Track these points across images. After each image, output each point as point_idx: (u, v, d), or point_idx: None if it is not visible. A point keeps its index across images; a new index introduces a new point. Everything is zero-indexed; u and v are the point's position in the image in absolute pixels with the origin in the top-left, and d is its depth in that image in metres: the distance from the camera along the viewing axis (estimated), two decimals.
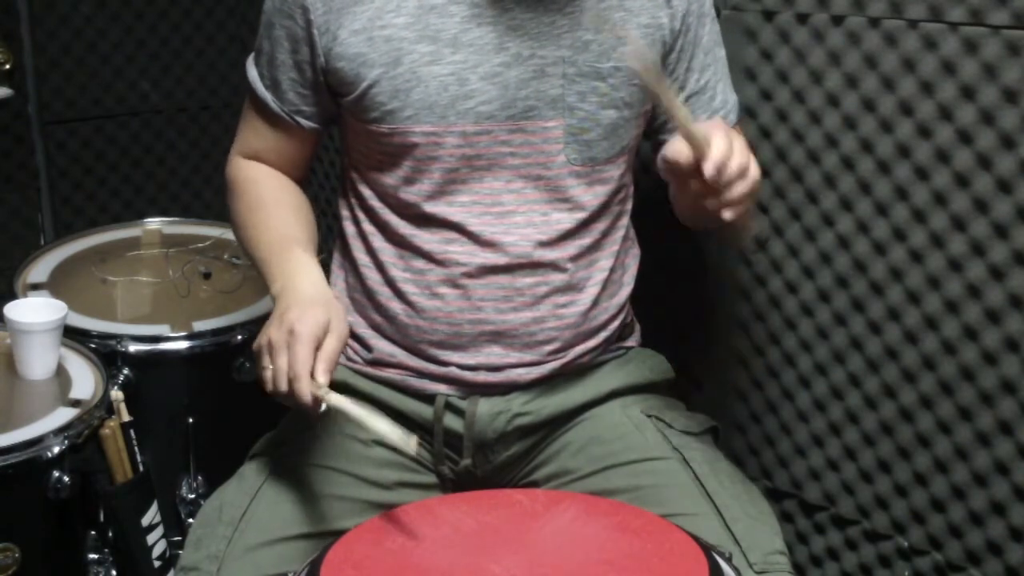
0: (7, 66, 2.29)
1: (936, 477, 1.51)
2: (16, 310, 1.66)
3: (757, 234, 1.32)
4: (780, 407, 1.67)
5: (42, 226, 2.52)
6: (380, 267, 1.39)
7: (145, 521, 1.63)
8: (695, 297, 1.73)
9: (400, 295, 1.37)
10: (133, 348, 1.76)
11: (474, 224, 1.33)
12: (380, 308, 1.39)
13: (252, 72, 1.42)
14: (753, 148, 1.53)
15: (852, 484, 1.61)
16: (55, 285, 1.95)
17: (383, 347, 1.40)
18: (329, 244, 1.53)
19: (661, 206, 1.44)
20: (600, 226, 1.39)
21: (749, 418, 1.72)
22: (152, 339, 1.78)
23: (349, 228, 1.43)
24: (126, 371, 1.75)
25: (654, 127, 1.45)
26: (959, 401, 1.46)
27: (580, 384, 1.42)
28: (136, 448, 1.62)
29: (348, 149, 1.43)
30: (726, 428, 1.71)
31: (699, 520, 1.25)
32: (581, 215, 1.36)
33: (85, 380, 1.67)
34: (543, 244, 1.34)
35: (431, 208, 1.34)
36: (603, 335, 1.43)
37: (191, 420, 1.80)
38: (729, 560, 1.12)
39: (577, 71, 1.31)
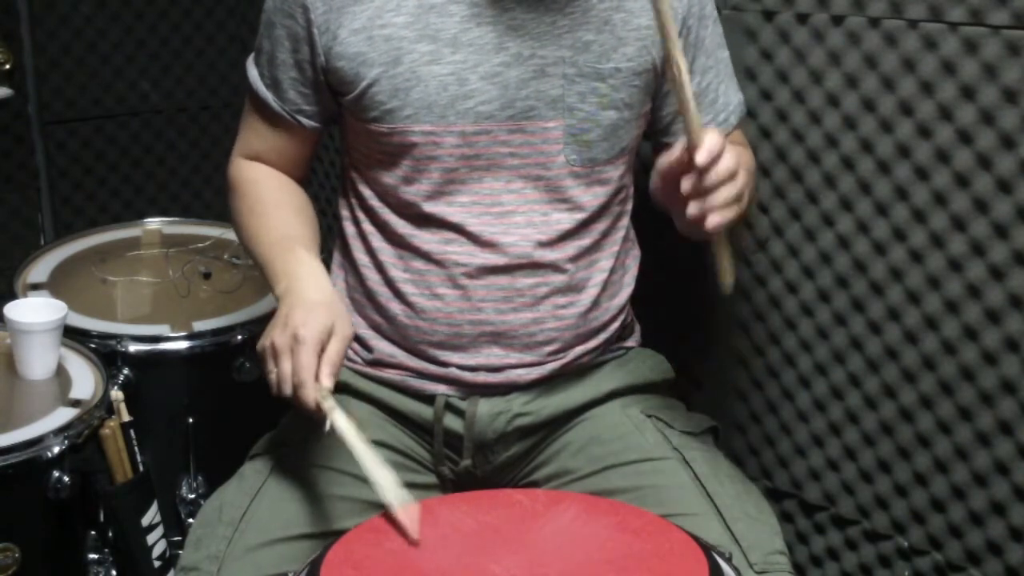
0: (7, 66, 2.29)
1: (936, 477, 1.51)
2: (16, 310, 1.66)
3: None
4: (780, 407, 1.67)
5: (42, 226, 2.52)
6: (380, 267, 1.39)
7: (145, 521, 1.63)
8: (695, 297, 1.73)
9: (400, 295, 1.37)
10: (133, 348, 1.76)
11: (473, 224, 1.33)
12: (380, 308, 1.39)
13: (252, 72, 1.42)
14: (753, 148, 1.55)
15: (852, 484, 1.61)
16: (55, 285, 1.95)
17: (383, 347, 1.40)
18: (329, 244, 1.53)
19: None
20: (600, 227, 1.39)
21: (749, 418, 1.72)
22: (152, 339, 1.78)
23: (349, 228, 1.43)
24: (126, 371, 1.75)
25: (656, 129, 1.45)
26: (959, 401, 1.46)
27: (580, 384, 1.42)
28: (136, 448, 1.62)
29: (348, 149, 1.43)
30: (726, 428, 1.71)
31: (699, 520, 1.25)
32: (581, 216, 1.36)
33: (85, 380, 1.67)
34: (543, 245, 1.34)
35: (430, 208, 1.34)
36: (603, 336, 1.43)
37: (191, 420, 1.79)
38: (729, 560, 1.12)
39: (577, 71, 1.31)
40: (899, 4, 1.41)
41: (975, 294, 1.42)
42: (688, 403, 1.49)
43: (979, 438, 1.45)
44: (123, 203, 2.62)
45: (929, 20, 1.38)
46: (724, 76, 1.43)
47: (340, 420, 1.17)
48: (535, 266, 1.34)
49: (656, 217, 1.49)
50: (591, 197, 1.36)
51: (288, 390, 1.18)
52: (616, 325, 1.45)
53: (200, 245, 2.13)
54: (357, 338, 1.42)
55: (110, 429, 1.59)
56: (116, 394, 1.63)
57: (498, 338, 1.35)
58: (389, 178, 1.35)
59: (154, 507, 1.65)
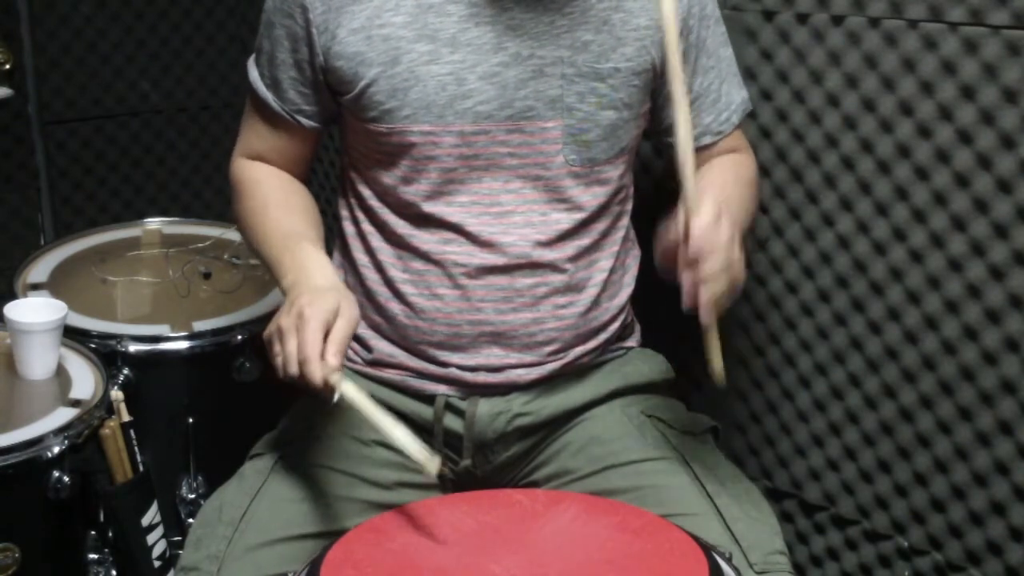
0: (7, 66, 2.29)
1: (936, 477, 1.51)
2: (16, 310, 1.66)
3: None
4: (780, 407, 1.67)
5: (42, 226, 2.52)
6: (379, 267, 1.39)
7: (145, 521, 1.63)
8: None
9: (399, 296, 1.37)
10: (133, 348, 1.76)
11: (472, 224, 1.33)
12: (380, 309, 1.39)
13: (253, 72, 1.42)
14: (753, 148, 1.55)
15: (852, 484, 1.61)
16: (55, 285, 1.95)
17: (383, 347, 1.40)
18: (329, 244, 1.53)
19: (661, 206, 1.44)
20: (599, 226, 1.39)
21: (749, 418, 1.72)
22: (152, 339, 1.78)
23: (348, 228, 1.43)
24: (126, 371, 1.75)
25: (658, 129, 1.45)
26: (959, 401, 1.46)
27: (580, 384, 1.42)
28: (136, 448, 1.62)
29: (347, 149, 1.43)
30: (726, 428, 1.71)
31: (699, 520, 1.25)
32: (580, 215, 1.36)
33: (85, 380, 1.67)
34: (542, 244, 1.34)
35: (430, 208, 1.34)
36: (603, 336, 1.43)
37: (191, 420, 1.79)
38: (729, 560, 1.12)
39: (576, 71, 1.31)
40: (899, 4, 1.41)
41: (975, 294, 1.42)
42: (688, 403, 1.49)
43: (979, 438, 1.45)
44: (123, 203, 2.62)
45: (929, 20, 1.38)
46: (727, 75, 1.43)
47: (349, 388, 1.15)
48: (534, 266, 1.34)
49: (656, 217, 1.49)
50: (590, 197, 1.36)
51: (294, 369, 1.15)
52: (616, 325, 1.45)
53: (200, 245, 2.13)
54: (357, 338, 1.42)
55: (110, 429, 1.59)
56: (116, 394, 1.62)
57: (498, 338, 1.35)
58: (388, 178, 1.35)
59: (154, 507, 1.65)
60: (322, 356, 1.14)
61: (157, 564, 1.64)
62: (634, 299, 1.48)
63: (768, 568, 1.23)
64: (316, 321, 1.15)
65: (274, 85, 1.39)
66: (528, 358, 1.37)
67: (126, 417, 1.62)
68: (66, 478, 1.52)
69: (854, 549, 1.64)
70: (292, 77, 1.36)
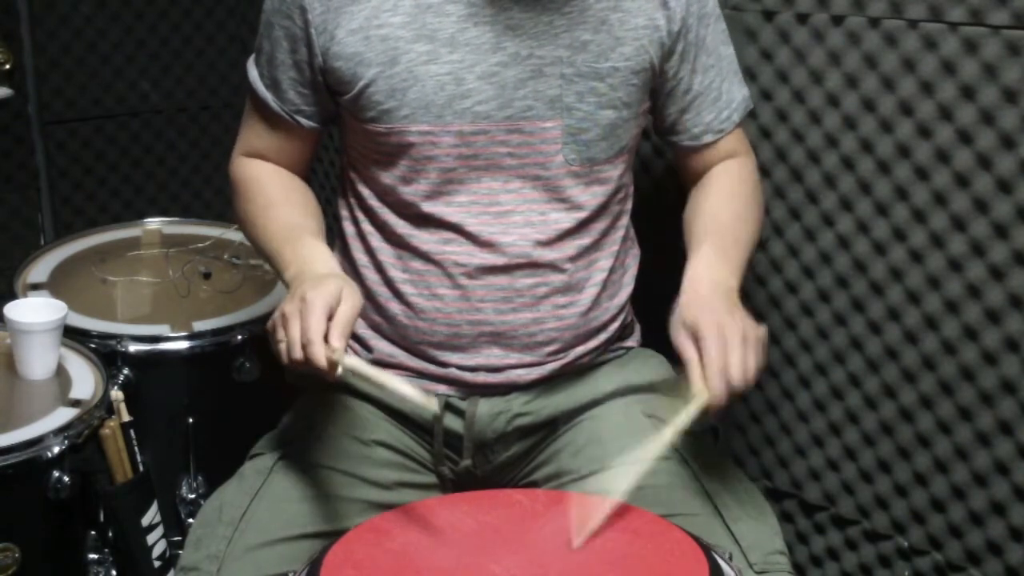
0: (7, 66, 2.29)
1: (936, 477, 1.51)
2: (16, 310, 1.66)
3: None
4: (780, 407, 1.67)
5: (42, 226, 2.52)
6: (379, 267, 1.39)
7: (145, 521, 1.63)
8: None
9: (399, 296, 1.37)
10: (133, 348, 1.76)
11: (472, 224, 1.33)
12: (380, 309, 1.39)
13: (253, 72, 1.42)
14: (753, 148, 1.55)
15: (852, 484, 1.61)
16: (55, 285, 1.95)
17: (383, 347, 1.40)
18: (329, 244, 1.53)
19: (661, 206, 1.44)
20: (599, 226, 1.39)
21: (749, 418, 1.72)
22: (152, 339, 1.78)
23: (348, 228, 1.43)
24: (126, 371, 1.75)
25: (659, 129, 1.45)
26: (959, 401, 1.46)
27: (580, 384, 1.42)
28: (136, 448, 1.62)
29: (347, 149, 1.43)
30: (726, 428, 1.71)
31: (699, 520, 1.25)
32: (580, 215, 1.36)
33: (85, 380, 1.67)
34: (542, 244, 1.34)
35: (429, 208, 1.34)
36: (603, 336, 1.43)
37: (191, 420, 1.79)
38: (729, 560, 1.12)
39: (575, 71, 1.31)
40: (899, 4, 1.41)
41: (975, 294, 1.42)
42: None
43: (979, 438, 1.45)
44: (123, 203, 2.62)
45: (929, 20, 1.38)
46: (727, 73, 1.43)
47: (352, 359, 1.15)
48: (534, 266, 1.34)
49: (656, 217, 1.49)
50: (590, 196, 1.36)
51: (298, 353, 1.14)
52: (616, 325, 1.45)
53: (200, 245, 2.13)
54: (357, 338, 1.42)
55: (110, 429, 1.59)
56: (116, 394, 1.63)
57: (498, 338, 1.35)
58: (387, 178, 1.35)
59: (154, 507, 1.65)
60: (326, 339, 1.14)
61: (157, 564, 1.64)
62: (634, 299, 1.48)
63: (768, 568, 1.23)
64: (319, 305, 1.15)
65: (273, 85, 1.39)
66: (528, 358, 1.37)
67: (126, 417, 1.62)
68: (66, 478, 1.52)
69: (854, 549, 1.64)
70: (291, 77, 1.36)
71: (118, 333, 1.78)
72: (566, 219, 1.35)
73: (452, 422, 1.38)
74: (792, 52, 1.53)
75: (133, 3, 2.52)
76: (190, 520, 1.77)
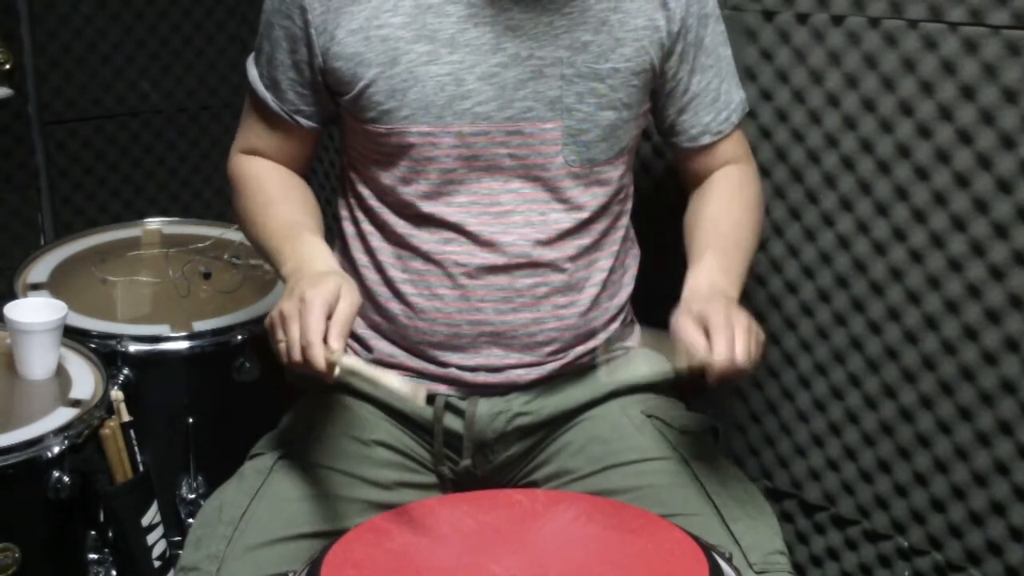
0: (7, 66, 2.29)
1: (936, 477, 1.51)
2: (16, 310, 1.66)
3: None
4: (780, 407, 1.67)
5: (42, 226, 2.52)
6: (379, 267, 1.39)
7: (145, 521, 1.63)
8: None
9: (399, 296, 1.37)
10: (133, 348, 1.76)
11: (472, 224, 1.33)
12: (379, 309, 1.39)
13: (252, 72, 1.42)
14: (753, 148, 1.55)
15: (852, 484, 1.61)
16: (55, 285, 1.95)
17: (383, 347, 1.40)
18: (329, 244, 1.53)
19: (661, 206, 1.44)
20: (599, 226, 1.39)
21: (749, 418, 1.72)
22: (152, 339, 1.78)
23: (348, 228, 1.43)
24: (126, 371, 1.75)
25: (660, 129, 1.45)
26: (959, 401, 1.46)
27: (580, 384, 1.42)
28: (136, 448, 1.62)
29: (347, 149, 1.43)
30: (726, 428, 1.71)
31: (699, 520, 1.25)
32: (580, 215, 1.36)
33: (85, 380, 1.67)
34: (541, 244, 1.34)
35: (429, 208, 1.34)
36: (603, 336, 1.43)
37: (191, 420, 1.79)
38: (729, 560, 1.12)
39: (575, 72, 1.31)
40: (899, 4, 1.41)
41: (975, 294, 1.42)
42: (688, 403, 1.49)
43: (979, 438, 1.45)
44: (123, 203, 2.62)
45: (929, 20, 1.38)
46: (726, 74, 1.43)
47: (350, 359, 1.15)
48: (534, 265, 1.34)
49: (656, 217, 1.49)
50: (590, 197, 1.36)
51: (297, 355, 1.15)
52: (616, 325, 1.45)
53: (200, 245, 2.13)
54: (357, 338, 1.42)
55: (110, 429, 1.59)
56: (116, 394, 1.63)
57: (498, 338, 1.35)
58: (387, 178, 1.35)
59: (154, 507, 1.65)
60: (325, 340, 1.14)
61: (157, 564, 1.64)
62: (634, 299, 1.48)
63: (768, 568, 1.23)
64: (318, 305, 1.15)
65: (273, 85, 1.39)
66: (528, 358, 1.37)
67: (126, 417, 1.62)
68: (66, 478, 1.52)
69: (854, 549, 1.64)
70: (291, 78, 1.36)
71: (118, 333, 1.78)
72: (566, 219, 1.35)
73: (452, 422, 1.38)
74: (792, 52, 1.53)
75: (133, 3, 2.52)
76: (190, 520, 1.77)
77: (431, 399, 1.38)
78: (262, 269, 2.02)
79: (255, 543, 1.25)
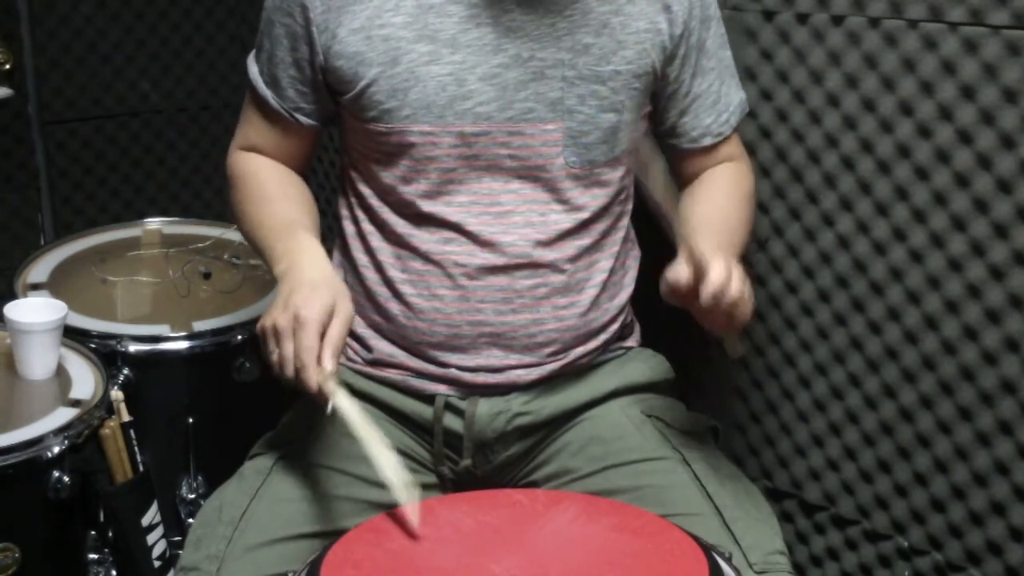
0: (7, 66, 2.29)
1: (936, 477, 1.51)
2: (16, 310, 1.66)
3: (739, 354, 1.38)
4: (780, 407, 1.67)
5: (42, 226, 2.52)
6: (379, 267, 1.39)
7: (145, 521, 1.63)
8: None
9: (398, 296, 1.37)
10: (133, 348, 1.76)
11: (472, 224, 1.33)
12: (379, 308, 1.39)
13: (253, 69, 1.42)
14: (753, 148, 1.55)
15: (852, 484, 1.61)
16: (55, 285, 1.95)
17: (383, 347, 1.40)
18: (329, 244, 1.53)
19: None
20: (599, 227, 1.39)
21: (749, 418, 1.72)
22: (152, 339, 1.78)
23: (348, 227, 1.43)
24: (126, 371, 1.75)
25: (660, 131, 1.45)
26: (959, 401, 1.46)
27: (580, 384, 1.42)
28: (136, 448, 1.62)
29: (347, 148, 1.43)
30: (726, 428, 1.71)
31: (699, 520, 1.25)
32: (580, 216, 1.36)
33: (85, 380, 1.67)
34: (542, 244, 1.34)
35: (429, 207, 1.34)
36: (603, 337, 1.43)
37: (191, 420, 1.79)
38: (729, 560, 1.12)
39: (577, 74, 1.31)
40: (899, 4, 1.41)
41: (975, 294, 1.42)
42: (688, 403, 1.49)
43: (979, 438, 1.45)
44: (123, 203, 2.62)
45: (929, 20, 1.38)
46: (726, 76, 1.43)
47: (343, 402, 1.16)
48: (534, 266, 1.34)
49: (656, 218, 1.49)
50: (590, 198, 1.36)
51: (290, 372, 1.16)
52: (616, 326, 1.45)
53: (200, 245, 2.13)
54: (357, 338, 1.42)
55: (110, 429, 1.59)
56: (116, 394, 1.62)
57: (498, 339, 1.35)
58: (387, 177, 1.35)
59: (154, 507, 1.65)
60: (318, 360, 1.15)
61: (157, 564, 1.64)
62: (634, 299, 1.48)
63: (768, 568, 1.23)
64: (313, 324, 1.16)
65: (273, 83, 1.39)
66: (528, 359, 1.37)
67: (126, 417, 1.62)
68: (66, 478, 1.52)
69: (854, 549, 1.64)
70: (291, 76, 1.36)
71: (118, 333, 1.78)
72: (566, 220, 1.35)
73: (452, 422, 1.38)
74: (792, 52, 1.53)
75: (133, 3, 2.52)
76: (190, 520, 1.76)
77: (431, 399, 1.38)
78: (262, 269, 2.02)
79: (255, 543, 1.25)
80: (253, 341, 1.80)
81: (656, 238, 1.52)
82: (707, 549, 1.10)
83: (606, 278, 1.40)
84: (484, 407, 1.37)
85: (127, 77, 2.55)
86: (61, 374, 1.69)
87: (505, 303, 1.34)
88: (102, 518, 1.64)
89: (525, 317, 1.35)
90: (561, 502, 1.21)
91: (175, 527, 1.79)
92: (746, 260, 1.64)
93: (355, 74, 1.30)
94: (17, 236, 2.45)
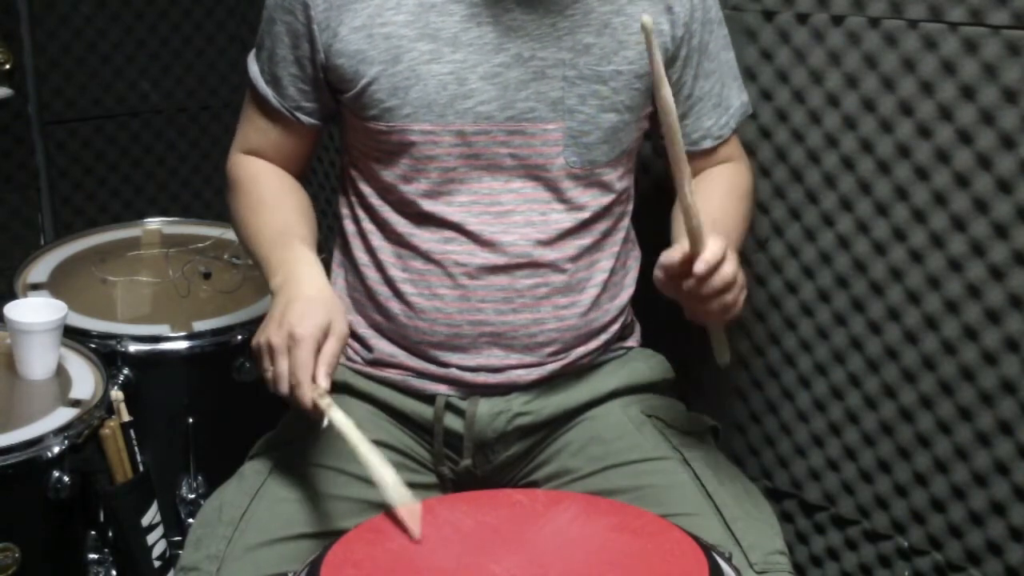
0: (7, 66, 2.29)
1: (936, 477, 1.51)
2: (16, 310, 1.66)
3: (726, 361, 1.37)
4: (780, 407, 1.67)
5: (42, 226, 2.52)
6: (379, 267, 1.39)
7: (145, 521, 1.63)
8: None
9: (399, 295, 1.37)
10: (133, 348, 1.76)
11: (473, 223, 1.33)
12: (380, 308, 1.39)
13: (253, 68, 1.42)
14: (753, 148, 1.55)
15: (852, 484, 1.61)
16: (55, 285, 1.95)
17: (383, 347, 1.40)
18: (329, 244, 1.53)
19: (661, 207, 1.44)
20: (600, 227, 1.39)
21: (749, 418, 1.72)
22: (152, 339, 1.78)
23: (349, 227, 1.43)
24: (126, 371, 1.75)
25: (660, 131, 1.45)
26: (959, 401, 1.46)
27: (580, 384, 1.42)
28: (136, 448, 1.62)
29: (348, 146, 1.43)
30: (726, 428, 1.71)
31: (699, 520, 1.25)
32: (581, 216, 1.36)
33: (85, 380, 1.67)
34: (542, 244, 1.34)
35: (430, 207, 1.34)
36: (604, 337, 1.43)
37: (191, 420, 1.79)
38: (729, 560, 1.12)
39: (578, 74, 1.31)
40: (899, 4, 1.41)
41: (975, 294, 1.42)
42: (688, 403, 1.49)
43: (979, 438, 1.45)
44: (123, 203, 2.62)
45: (929, 20, 1.38)
46: (727, 78, 1.43)
47: (339, 417, 1.17)
48: (535, 265, 1.34)
49: (656, 217, 1.49)
50: (591, 198, 1.36)
51: (285, 389, 1.18)
52: (616, 326, 1.45)
53: (200, 245, 2.13)
54: (357, 337, 1.42)
55: (110, 429, 1.59)
56: (116, 394, 1.62)
57: (498, 339, 1.35)
58: (388, 176, 1.35)
59: (154, 507, 1.65)
60: (313, 377, 1.15)
61: (157, 564, 1.64)
62: (634, 299, 1.48)
63: (768, 568, 1.23)
64: (307, 342, 1.17)
65: (274, 81, 1.39)
66: (529, 359, 1.37)
67: (126, 417, 1.62)
68: (66, 478, 1.52)
69: (854, 549, 1.64)
70: (292, 74, 1.36)
71: (118, 333, 1.78)
72: (567, 219, 1.35)
73: (452, 422, 1.38)
74: (792, 52, 1.53)
75: (133, 3, 2.52)
76: (190, 520, 1.77)
77: (431, 399, 1.38)
78: None
79: (255, 543, 1.25)
80: (253, 341, 1.80)
81: (656, 238, 1.53)
82: (707, 549, 1.10)
83: (607, 278, 1.40)
84: (484, 407, 1.37)
85: (127, 77, 2.55)
86: (61, 374, 1.69)
87: (506, 303, 1.34)
88: (102, 518, 1.64)
89: (526, 317, 1.35)
90: (561, 502, 1.21)
91: (175, 527, 1.79)
92: (746, 260, 1.64)
93: (356, 72, 1.30)
94: (17, 236, 2.45)
